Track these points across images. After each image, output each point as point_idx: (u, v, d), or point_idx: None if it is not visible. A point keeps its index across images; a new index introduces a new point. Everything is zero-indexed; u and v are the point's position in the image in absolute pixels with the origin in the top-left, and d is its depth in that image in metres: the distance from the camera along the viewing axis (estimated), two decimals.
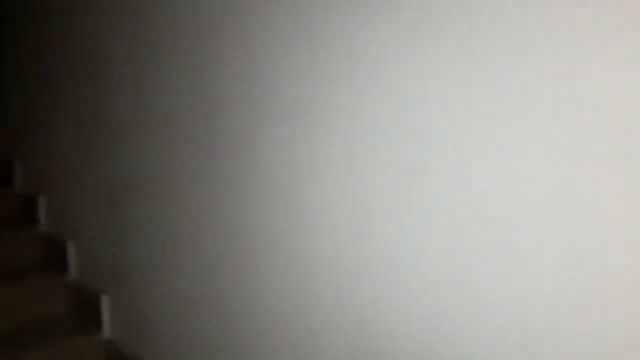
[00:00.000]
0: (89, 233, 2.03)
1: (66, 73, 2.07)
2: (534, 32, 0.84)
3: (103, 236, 1.94)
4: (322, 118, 1.16)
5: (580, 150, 0.81)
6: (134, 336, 1.82)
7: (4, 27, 2.53)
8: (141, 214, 1.73)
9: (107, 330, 1.93)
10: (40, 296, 2.05)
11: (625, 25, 0.75)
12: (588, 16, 0.78)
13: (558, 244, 0.84)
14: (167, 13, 1.53)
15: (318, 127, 1.16)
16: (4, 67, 2.59)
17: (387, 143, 1.04)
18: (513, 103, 0.87)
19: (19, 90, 2.48)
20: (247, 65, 1.31)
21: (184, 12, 1.48)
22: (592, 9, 0.78)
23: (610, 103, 0.78)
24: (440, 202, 0.97)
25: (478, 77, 0.91)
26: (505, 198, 0.90)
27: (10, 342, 1.82)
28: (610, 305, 0.80)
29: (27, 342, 1.82)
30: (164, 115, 1.60)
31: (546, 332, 0.87)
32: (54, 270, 2.17)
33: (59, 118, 2.16)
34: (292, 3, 1.19)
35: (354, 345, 1.14)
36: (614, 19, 0.76)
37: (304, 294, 1.23)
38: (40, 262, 2.26)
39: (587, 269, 0.82)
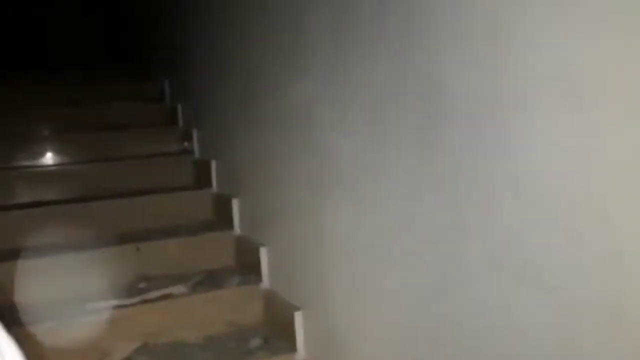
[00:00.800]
0: (250, 192, 2.13)
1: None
2: None
3: (262, 194, 2.01)
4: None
5: None
6: (289, 286, 1.85)
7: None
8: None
9: (265, 281, 2.00)
10: (211, 249, 2.21)
11: None
12: None
13: None
14: None
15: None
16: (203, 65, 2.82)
17: None
18: None
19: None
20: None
21: None
22: None
23: None
24: None
25: None
26: None
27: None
28: None
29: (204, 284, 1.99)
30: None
31: None
32: (223, 227, 2.31)
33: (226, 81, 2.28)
34: None
35: None
36: None
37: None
38: (211, 220, 2.43)
39: None
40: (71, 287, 1.98)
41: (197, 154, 2.74)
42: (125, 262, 2.08)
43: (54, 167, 2.58)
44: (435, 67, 1.16)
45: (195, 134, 2.75)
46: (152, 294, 1.87)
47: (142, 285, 1.97)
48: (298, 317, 1.77)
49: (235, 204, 2.25)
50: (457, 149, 1.11)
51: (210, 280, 2.04)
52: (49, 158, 2.68)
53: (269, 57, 1.87)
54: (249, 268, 2.10)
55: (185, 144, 2.87)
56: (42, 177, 2.48)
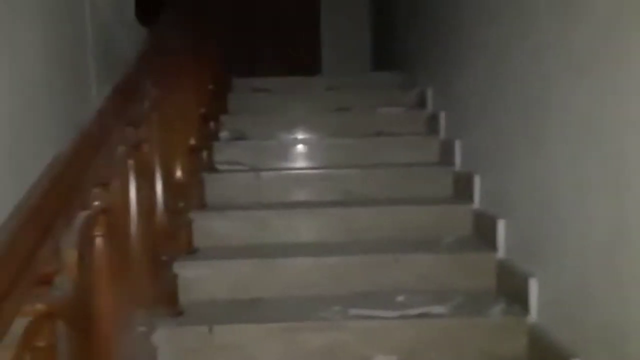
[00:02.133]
0: (521, 215, 1.93)
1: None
2: None
3: (536, 218, 1.80)
4: None
5: None
6: (566, 325, 1.62)
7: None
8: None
9: (533, 315, 1.79)
10: (471, 270, 2.09)
11: None
12: None
13: None
14: None
15: None
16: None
17: None
18: None
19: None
20: None
21: None
22: None
23: None
24: None
25: None
26: None
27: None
28: None
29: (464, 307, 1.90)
30: None
31: None
32: (484, 248, 2.16)
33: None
34: None
35: None
36: None
37: None
38: (470, 238, 2.31)
39: None
40: (329, 288, 2.05)
41: (457, 166, 2.63)
42: (383, 272, 2.07)
43: (317, 171, 2.72)
44: None
45: (457, 145, 2.63)
46: (412, 311, 1.81)
47: (400, 298, 1.93)
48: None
49: (501, 226, 2.07)
50: None
51: (470, 303, 1.91)
52: (312, 160, 2.84)
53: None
54: (513, 296, 1.91)
55: (444, 154, 2.78)
56: (305, 180, 2.63)
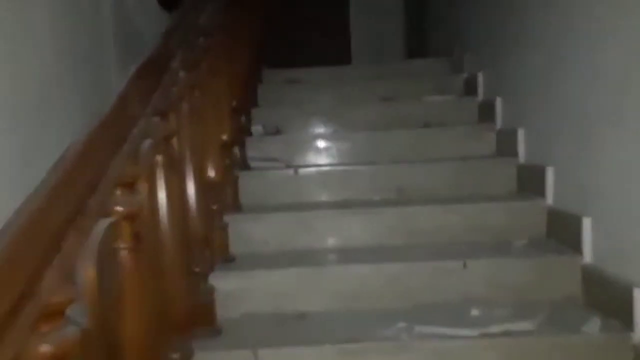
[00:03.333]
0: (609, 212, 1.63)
1: None
2: None
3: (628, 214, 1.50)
4: None
5: None
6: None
7: None
8: None
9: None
10: (552, 276, 1.78)
11: None
12: None
13: None
14: None
15: None
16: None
17: None
18: None
19: None
20: None
21: None
22: None
23: None
24: None
25: None
26: None
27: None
28: None
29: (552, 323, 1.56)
30: None
31: None
32: (564, 250, 1.86)
33: None
34: None
35: None
36: None
37: None
38: (546, 239, 2.01)
39: None
40: (389, 300, 1.77)
41: (522, 158, 2.32)
42: (450, 280, 1.79)
43: (362, 167, 2.43)
44: None
45: (520, 134, 2.33)
46: (493, 328, 1.52)
47: (474, 312, 1.65)
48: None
49: (587, 224, 1.77)
50: None
51: (558, 317, 1.61)
52: (357, 155, 2.56)
53: None
54: (608, 308, 1.61)
55: (502, 144, 2.48)
56: (349, 176, 2.35)
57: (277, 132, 2.66)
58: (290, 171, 2.32)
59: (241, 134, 2.50)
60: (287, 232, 2.04)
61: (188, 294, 1.47)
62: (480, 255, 1.84)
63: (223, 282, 1.75)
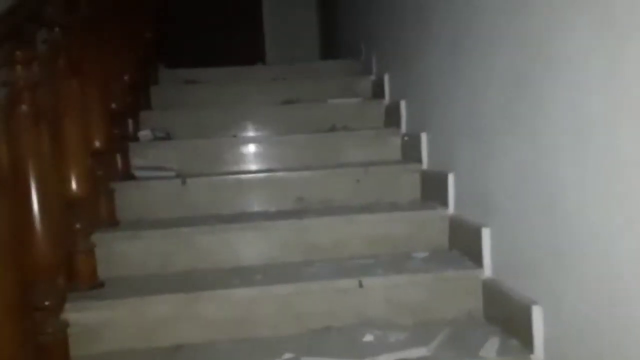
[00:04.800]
0: (509, 221, 1.53)
1: None
2: None
3: (528, 225, 1.40)
4: None
5: None
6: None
7: None
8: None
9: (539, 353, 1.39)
10: (452, 293, 1.66)
11: None
12: None
13: None
14: None
15: None
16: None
17: None
18: None
19: None
20: None
21: None
22: None
23: None
24: None
25: None
26: None
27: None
28: None
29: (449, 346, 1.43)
30: None
31: None
32: (466, 264, 1.75)
33: None
34: None
35: None
36: None
37: None
38: (447, 251, 1.90)
39: None
40: (278, 327, 1.60)
41: (425, 164, 2.22)
42: (346, 302, 1.63)
43: (260, 174, 2.24)
44: None
45: (424, 138, 2.22)
46: (384, 358, 1.37)
47: (368, 337, 1.50)
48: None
49: (486, 235, 1.66)
50: None
51: (457, 338, 1.49)
52: (255, 162, 2.38)
53: None
54: (507, 325, 1.51)
55: (406, 150, 2.37)
56: (245, 186, 2.15)
57: (168, 137, 2.43)
58: (177, 181, 2.09)
59: (124, 139, 2.25)
60: (169, 251, 1.82)
61: (25, 338, 1.22)
62: (378, 271, 1.70)
63: (82, 315, 1.50)
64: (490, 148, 1.63)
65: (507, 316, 1.52)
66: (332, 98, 2.79)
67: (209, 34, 4.48)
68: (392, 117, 2.60)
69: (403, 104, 2.48)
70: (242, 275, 1.71)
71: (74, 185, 1.64)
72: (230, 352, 1.49)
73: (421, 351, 1.41)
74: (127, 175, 2.18)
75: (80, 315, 1.51)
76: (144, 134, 2.38)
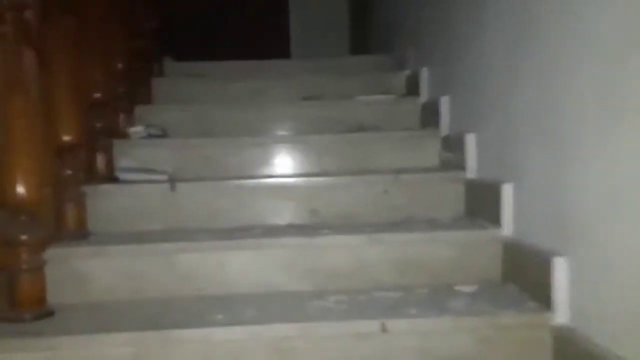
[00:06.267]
0: None
1: None
2: None
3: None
4: None
5: None
6: None
7: None
8: None
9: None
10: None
11: None
12: None
13: None
14: None
15: None
16: None
17: None
18: None
19: None
20: None
21: None
22: None
23: None
24: None
25: None
26: None
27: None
28: None
29: None
30: None
31: None
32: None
33: None
34: None
35: None
36: None
37: None
38: (499, 283, 1.46)
39: None
40: None
41: (471, 172, 1.79)
42: (366, 350, 1.22)
43: (266, 180, 1.85)
44: None
45: (470, 141, 1.80)
46: None
47: None
48: None
49: (561, 267, 1.22)
50: None
51: None
52: (264, 166, 1.99)
53: None
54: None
55: (448, 154, 1.96)
56: (247, 193, 1.76)
57: (164, 135, 2.06)
58: (166, 186, 1.72)
59: (109, 135, 1.90)
60: (144, 274, 1.44)
61: None
62: (410, 311, 1.28)
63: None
64: (575, 152, 1.20)
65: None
66: (361, 95, 2.40)
67: (229, 27, 4.15)
68: (429, 117, 2.18)
69: (444, 101, 2.06)
70: (229, 309, 1.32)
71: (20, 190, 1.28)
72: None
73: None
74: (109, 177, 1.81)
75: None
76: (136, 130, 2.02)
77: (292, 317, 1.27)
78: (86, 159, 1.71)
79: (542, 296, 1.27)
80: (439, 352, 1.22)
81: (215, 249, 1.47)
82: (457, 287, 1.43)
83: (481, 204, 1.67)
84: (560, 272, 1.22)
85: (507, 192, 1.51)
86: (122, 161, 1.91)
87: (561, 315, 1.22)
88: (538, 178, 1.36)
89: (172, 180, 1.73)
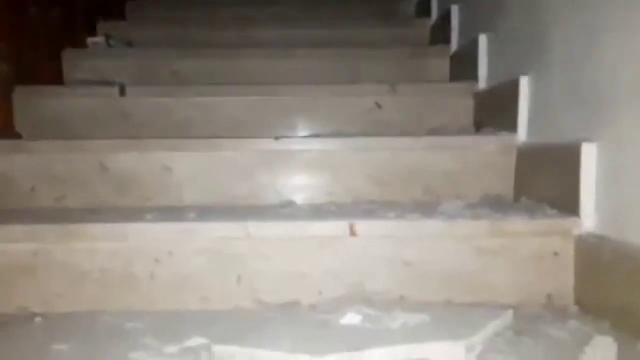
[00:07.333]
0: None
1: None
2: None
3: None
4: None
5: None
6: None
7: None
8: None
9: None
10: None
11: None
12: None
13: None
14: None
15: None
16: None
17: None
18: None
19: None
20: None
21: None
22: None
23: None
24: None
25: None
26: None
27: None
28: None
29: None
30: None
31: None
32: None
33: None
34: None
35: None
36: None
37: None
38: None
39: None
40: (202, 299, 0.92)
41: (481, 83, 1.48)
42: (326, 257, 0.93)
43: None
44: None
45: (480, 42, 1.48)
46: None
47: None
48: None
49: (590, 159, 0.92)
50: None
51: None
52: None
53: None
54: None
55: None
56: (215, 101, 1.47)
57: (129, 44, 1.80)
58: (115, 91, 1.44)
59: (61, 43, 1.64)
60: (66, 176, 1.17)
61: None
62: (386, 214, 0.98)
63: None
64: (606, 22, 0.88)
65: None
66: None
67: None
68: (438, 33, 1.88)
69: (455, 10, 1.75)
70: (170, 214, 1.04)
71: None
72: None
73: None
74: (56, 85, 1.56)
75: None
76: (95, 40, 1.75)
77: (236, 218, 0.98)
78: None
79: (565, 200, 0.96)
80: (422, 266, 0.93)
81: (154, 147, 1.20)
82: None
83: (493, 112, 1.36)
84: (590, 159, 0.90)
85: (524, 86, 1.20)
86: (78, 74, 1.65)
87: (589, 219, 0.91)
88: (562, 64, 1.05)
89: (122, 84, 1.46)
